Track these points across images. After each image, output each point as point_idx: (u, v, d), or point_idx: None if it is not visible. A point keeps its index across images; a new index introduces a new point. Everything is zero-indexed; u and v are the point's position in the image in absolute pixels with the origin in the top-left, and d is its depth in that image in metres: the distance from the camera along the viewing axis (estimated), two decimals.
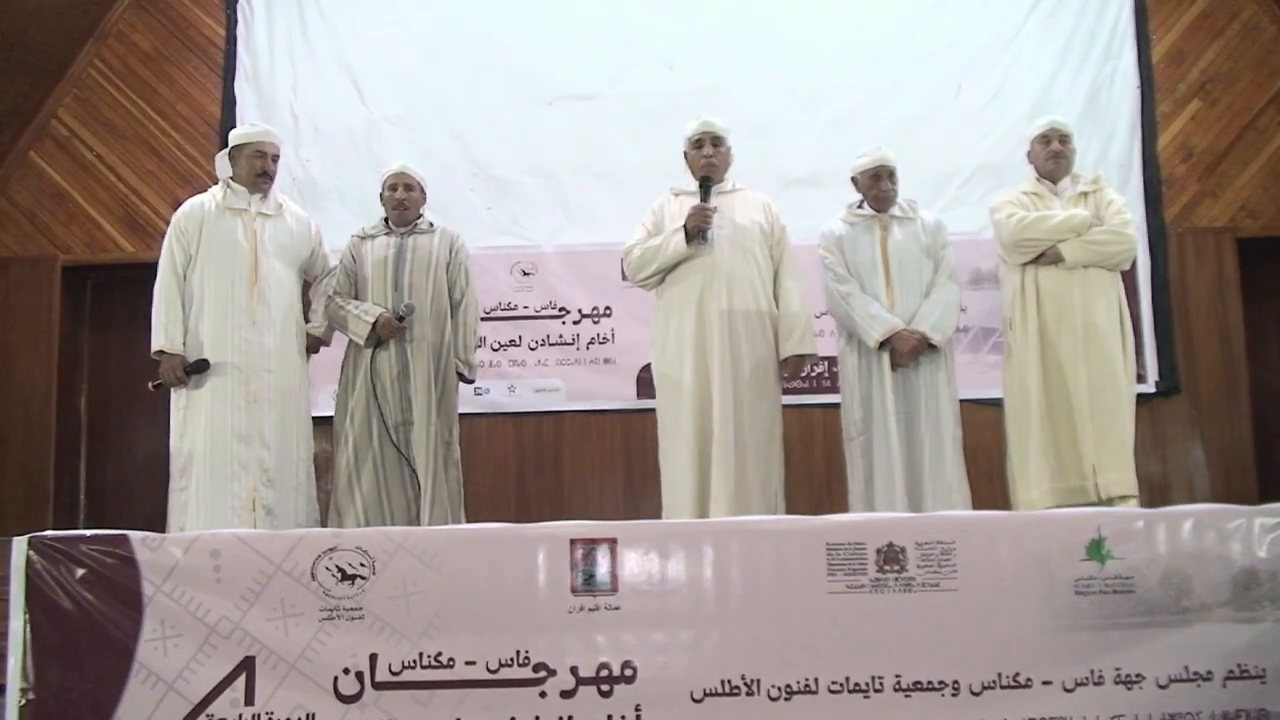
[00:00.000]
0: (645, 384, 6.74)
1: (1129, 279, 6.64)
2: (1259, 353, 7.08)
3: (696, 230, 5.08)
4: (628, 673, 3.30)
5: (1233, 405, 6.89)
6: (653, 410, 5.34)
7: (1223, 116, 7.12)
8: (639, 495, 6.65)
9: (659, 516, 5.13)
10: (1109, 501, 4.94)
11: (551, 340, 7.03)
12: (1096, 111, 7.07)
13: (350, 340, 5.39)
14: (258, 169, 5.25)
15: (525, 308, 7.04)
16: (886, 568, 3.33)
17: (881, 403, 5.11)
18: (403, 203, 5.46)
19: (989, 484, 5.45)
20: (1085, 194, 5.31)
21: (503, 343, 6.95)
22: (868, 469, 5.13)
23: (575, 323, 7.04)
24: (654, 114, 6.92)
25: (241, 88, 7.26)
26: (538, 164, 7.18)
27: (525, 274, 7.05)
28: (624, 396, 6.93)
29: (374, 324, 5.24)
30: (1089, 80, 7.13)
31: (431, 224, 5.54)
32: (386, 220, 5.52)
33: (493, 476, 6.79)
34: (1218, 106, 7.13)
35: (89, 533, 3.49)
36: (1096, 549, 3.33)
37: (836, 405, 6.49)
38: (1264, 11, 7.15)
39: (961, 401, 5.29)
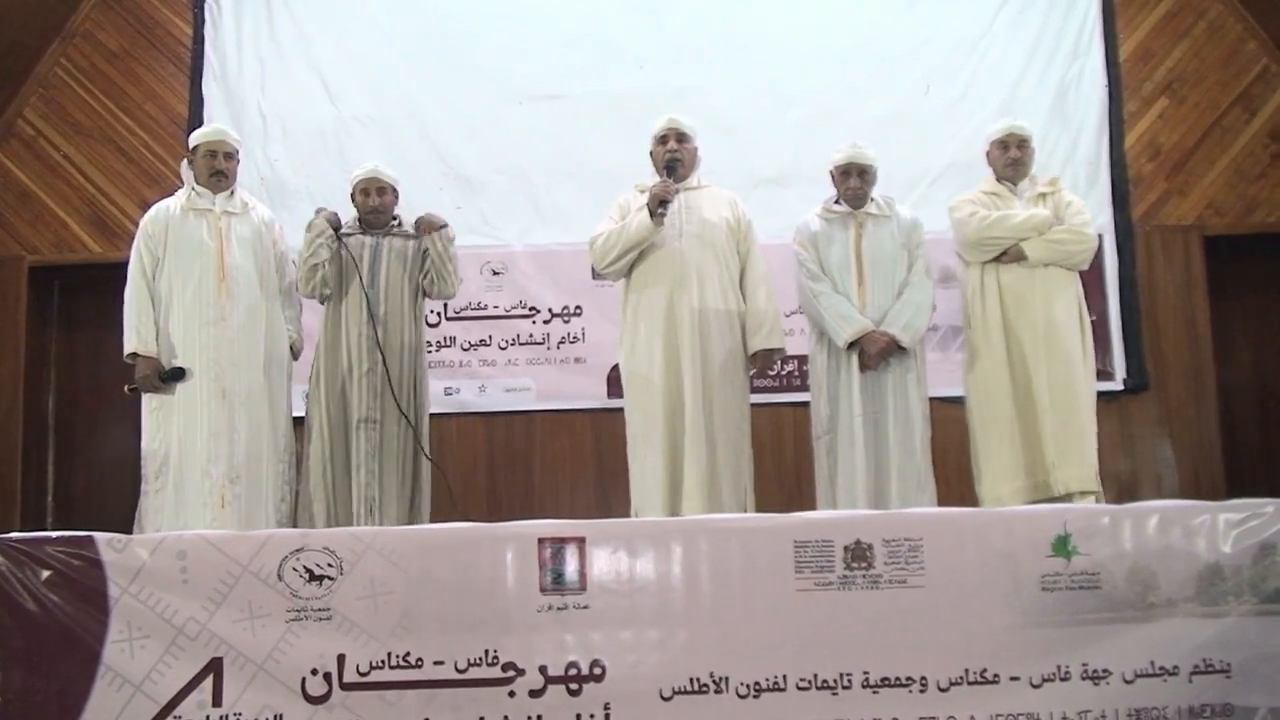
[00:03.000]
0: (616, 383, 6.67)
1: (1097, 277, 6.71)
2: (1225, 350, 7.11)
3: (658, 202, 5.06)
4: (596, 671, 3.32)
5: (1200, 402, 6.93)
6: (623, 409, 5.32)
7: (1189, 115, 7.15)
8: (610, 494, 6.63)
9: (629, 515, 5.13)
10: (1068, 497, 4.95)
11: (522, 340, 7.01)
12: (1064, 110, 7.09)
13: (321, 338, 5.36)
14: (211, 169, 5.27)
15: (495, 307, 7.02)
16: (854, 565, 3.35)
17: (848, 403, 5.11)
18: (375, 208, 5.43)
19: (960, 482, 5.45)
20: (1043, 195, 5.34)
21: (473, 342, 6.93)
22: (832, 468, 5.14)
23: (545, 322, 7.02)
24: (625, 114, 6.86)
25: (209, 87, 7.20)
26: (508, 163, 7.14)
27: (495, 273, 7.03)
28: (595, 396, 6.91)
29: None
30: (1056, 79, 7.15)
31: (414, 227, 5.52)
32: (360, 221, 5.49)
33: (463, 476, 6.75)
34: (1184, 105, 7.16)
35: (54, 534, 3.49)
36: (1063, 545, 3.36)
37: (808, 404, 6.54)
38: (1229, 11, 7.19)
39: (931, 399, 5.30)
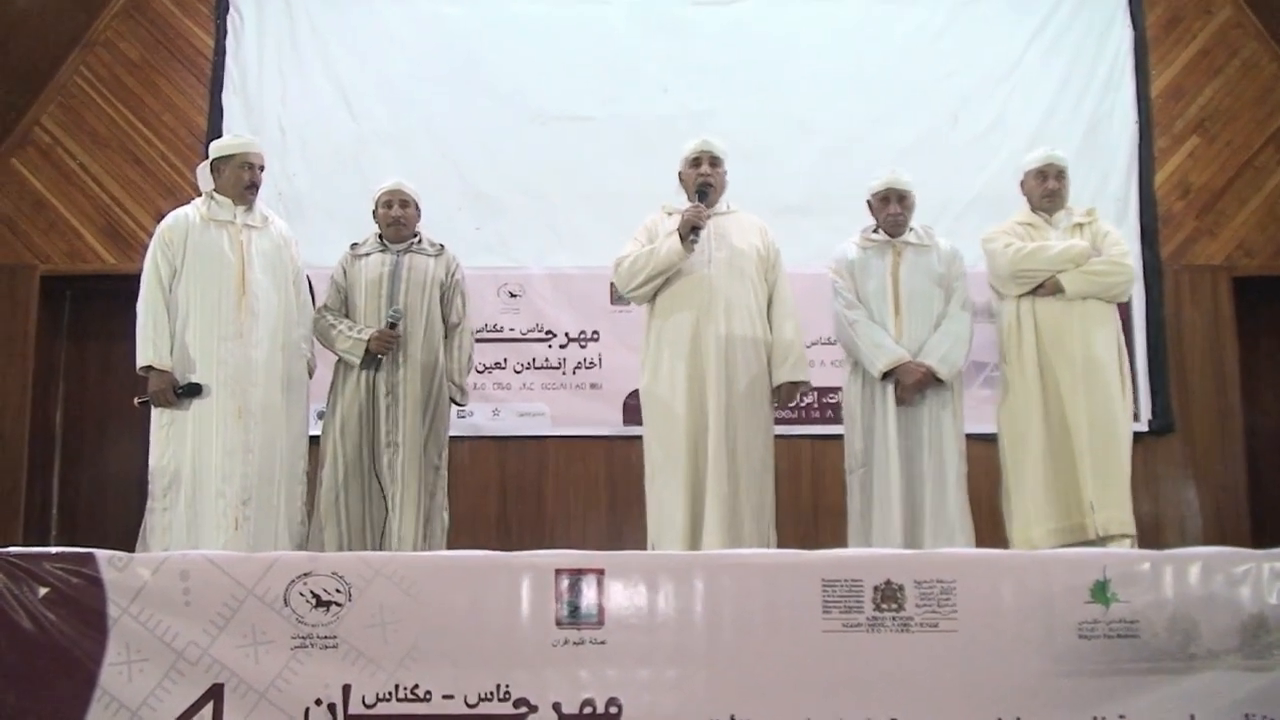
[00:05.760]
0: (632, 410, 6.62)
1: (1124, 316, 6.57)
2: (1253, 392, 7.02)
3: (690, 227, 4.94)
4: (612, 710, 3.21)
5: (1226, 445, 6.82)
6: (639, 437, 5.23)
7: (1221, 154, 7.08)
8: (623, 523, 6.54)
9: (643, 546, 5.01)
10: (1103, 540, 4.85)
11: (537, 364, 6.92)
12: (1094, 146, 7.01)
13: (338, 358, 5.28)
14: (245, 180, 5.12)
15: (511, 330, 6.93)
16: (884, 606, 3.24)
17: (883, 436, 5.00)
18: (398, 220, 5.36)
19: (979, 521, 5.31)
20: (1080, 225, 5.25)
21: (488, 365, 6.84)
22: (866, 503, 5.03)
23: (562, 346, 6.94)
24: (647, 137, 6.85)
25: (229, 99, 7.14)
26: (527, 184, 7.07)
27: (513, 295, 6.95)
28: (610, 422, 6.81)
29: (368, 341, 5.14)
30: (1087, 114, 7.09)
31: (438, 246, 5.47)
32: (380, 236, 5.42)
33: (474, 501, 6.67)
34: (1216, 143, 7.08)
35: (53, 550, 3.40)
36: (1101, 591, 3.24)
37: (826, 437, 6.44)
38: (1264, 49, 7.13)
39: None
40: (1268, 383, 7.14)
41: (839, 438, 5.49)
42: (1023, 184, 5.37)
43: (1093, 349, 5.04)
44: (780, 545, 4.88)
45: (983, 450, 5.37)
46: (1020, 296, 5.15)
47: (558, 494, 6.86)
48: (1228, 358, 6.90)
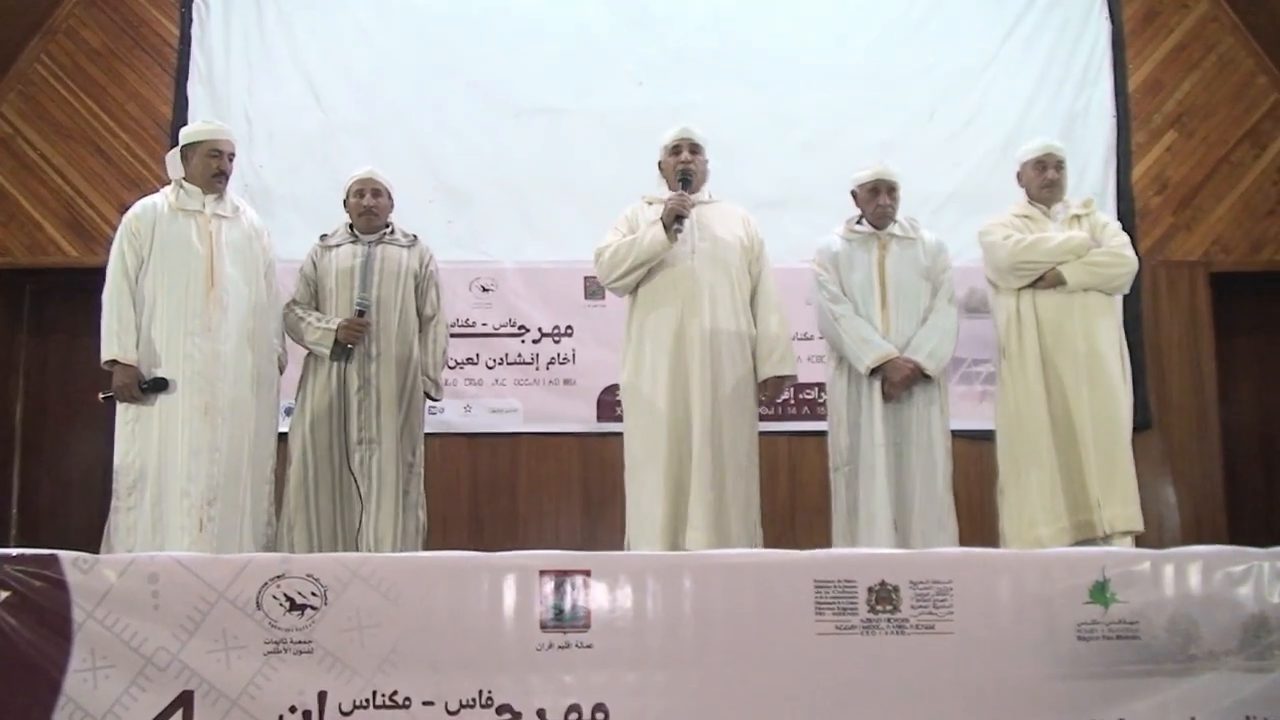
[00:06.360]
0: (606, 406, 6.56)
1: None
2: (1230, 389, 7.00)
3: (673, 216, 4.85)
4: (599, 716, 3.12)
5: (1203, 442, 6.80)
6: (614, 434, 5.16)
7: (1198, 149, 7.05)
8: (597, 522, 6.47)
9: (619, 545, 4.93)
10: (1109, 538, 4.79)
11: (510, 359, 6.82)
12: (1071, 141, 6.88)
13: (309, 352, 5.17)
14: (213, 169, 4.99)
15: (484, 325, 6.83)
16: (879, 608, 3.16)
17: (870, 432, 4.93)
18: (370, 209, 5.25)
19: (960, 519, 5.25)
20: (1078, 217, 5.20)
21: (459, 360, 6.72)
22: (852, 501, 4.95)
23: (535, 342, 6.84)
24: (622, 130, 6.78)
25: (194, 89, 7.01)
26: (500, 177, 6.97)
27: (485, 290, 6.84)
28: (584, 419, 6.73)
29: (336, 330, 5.04)
30: (1064, 109, 7.05)
31: (411, 237, 5.38)
32: (351, 227, 5.32)
33: (445, 499, 6.55)
34: (1193, 139, 7.06)
35: (14, 552, 3.27)
36: (1100, 591, 3.18)
37: (804, 434, 6.35)
38: (1241, 44, 7.11)
39: None
40: (1244, 379, 7.12)
41: (817, 434, 5.43)
42: (1019, 175, 5.32)
43: (1095, 342, 4.98)
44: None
45: (963, 447, 5.32)
46: (1020, 290, 5.08)
47: (530, 492, 6.77)
48: (1204, 354, 6.89)
